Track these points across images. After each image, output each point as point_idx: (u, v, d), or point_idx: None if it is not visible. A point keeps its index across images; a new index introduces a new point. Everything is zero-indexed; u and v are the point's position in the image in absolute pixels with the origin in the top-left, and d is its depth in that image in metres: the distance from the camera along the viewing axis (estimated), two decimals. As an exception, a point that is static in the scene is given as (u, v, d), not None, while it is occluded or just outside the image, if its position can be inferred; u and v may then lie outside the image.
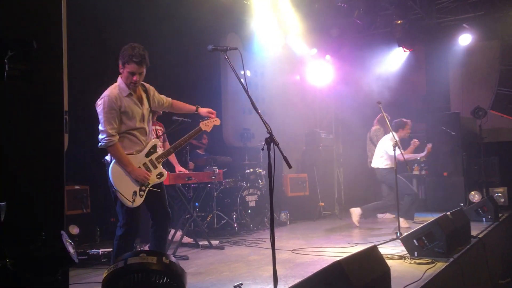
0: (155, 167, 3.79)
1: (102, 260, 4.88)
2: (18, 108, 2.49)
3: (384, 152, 7.28)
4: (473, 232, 5.65)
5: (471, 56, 9.97)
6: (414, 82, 10.83)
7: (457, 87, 10.39)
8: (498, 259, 6.55)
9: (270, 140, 3.13)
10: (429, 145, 7.53)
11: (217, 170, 6.43)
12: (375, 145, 8.33)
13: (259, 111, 3.33)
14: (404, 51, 10.05)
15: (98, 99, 3.69)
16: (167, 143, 5.99)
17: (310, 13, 9.10)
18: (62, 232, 2.35)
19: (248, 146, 7.95)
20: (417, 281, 3.73)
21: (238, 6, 8.19)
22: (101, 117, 3.64)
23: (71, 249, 2.32)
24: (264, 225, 7.42)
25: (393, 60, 10.43)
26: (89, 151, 6.52)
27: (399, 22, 9.22)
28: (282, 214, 7.97)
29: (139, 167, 3.70)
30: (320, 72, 10.45)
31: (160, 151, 3.90)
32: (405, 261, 4.58)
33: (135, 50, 3.63)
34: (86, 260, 4.85)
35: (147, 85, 3.93)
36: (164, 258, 2.66)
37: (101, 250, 5.02)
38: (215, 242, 5.92)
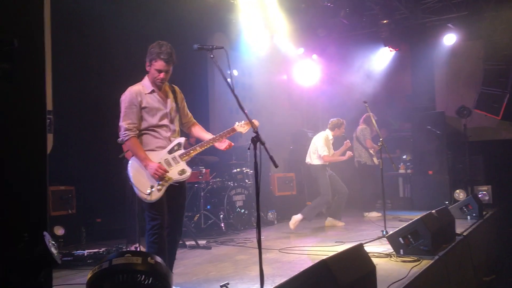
0: (177, 163, 3.65)
1: (88, 261, 4.83)
2: None
3: (316, 150, 7.45)
4: (458, 230, 5.71)
5: (455, 56, 10.08)
6: (400, 82, 10.93)
7: (442, 87, 10.50)
8: (482, 257, 6.63)
9: (257, 140, 3.12)
10: (347, 142, 7.53)
11: (204, 169, 6.41)
12: (362, 144, 8.40)
13: (246, 111, 3.33)
14: (390, 50, 10.13)
15: (122, 95, 3.65)
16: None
17: (297, 12, 9.12)
18: (45, 233, 2.33)
19: (235, 145, 7.93)
20: (402, 279, 3.75)
21: (225, 6, 8.18)
22: (121, 112, 3.62)
23: (54, 250, 2.29)
24: (252, 225, 7.42)
25: (379, 59, 10.51)
26: (76, 151, 6.48)
27: (385, 22, 9.30)
28: (269, 214, 7.97)
29: (159, 162, 3.58)
30: (307, 71, 10.48)
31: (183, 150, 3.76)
32: (391, 259, 4.61)
33: (163, 48, 3.58)
34: (71, 261, 4.80)
35: (176, 87, 3.88)
36: (149, 258, 2.65)
37: (86, 251, 4.98)
38: (202, 242, 5.90)
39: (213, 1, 7.96)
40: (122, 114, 3.60)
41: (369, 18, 9.76)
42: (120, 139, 3.62)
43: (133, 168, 3.59)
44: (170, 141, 3.69)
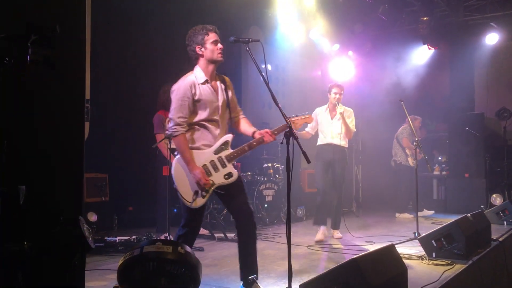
0: (224, 165, 3.41)
1: (119, 248, 4.93)
2: (40, 94, 2.51)
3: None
4: (494, 235, 5.54)
5: (497, 56, 9.75)
6: (438, 81, 10.64)
7: (482, 87, 10.17)
8: (518, 264, 6.41)
9: (290, 135, 3.10)
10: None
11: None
12: (400, 143, 8.28)
13: (280, 105, 3.30)
14: (429, 48, 9.88)
15: (174, 84, 3.44)
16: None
17: (334, 7, 9.00)
18: (80, 218, 2.38)
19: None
20: (434, 282, 3.67)
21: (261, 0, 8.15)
22: (172, 103, 3.39)
23: (88, 235, 2.34)
24: (280, 220, 7.40)
25: (417, 57, 10.26)
26: (110, 140, 6.61)
27: (425, 19, 9.06)
28: (298, 210, 7.94)
29: (204, 164, 3.36)
30: (342, 68, 10.34)
31: (231, 149, 3.51)
32: (423, 261, 4.51)
33: (203, 25, 3.44)
34: (103, 248, 4.91)
35: (227, 78, 3.67)
36: (180, 248, 2.67)
37: (118, 238, 5.08)
38: (230, 235, 5.92)
39: (250, -6, 7.94)
40: (173, 106, 3.37)
41: (408, 15, 9.53)
42: (168, 133, 3.40)
43: (177, 171, 3.37)
44: (217, 138, 3.46)
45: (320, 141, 6.16)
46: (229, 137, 3.49)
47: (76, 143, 2.74)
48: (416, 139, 6.15)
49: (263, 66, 3.47)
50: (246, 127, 3.67)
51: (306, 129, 6.15)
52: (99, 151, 6.15)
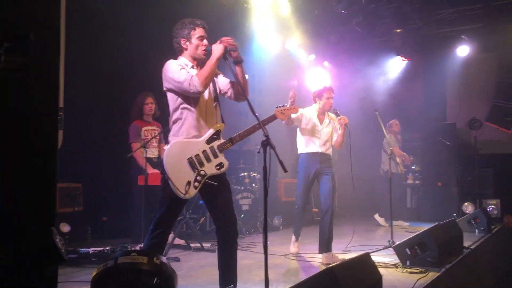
0: (216, 156, 3.35)
1: (92, 259, 4.83)
2: (12, 102, 2.45)
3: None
4: (466, 243, 5.65)
5: (468, 68, 10.02)
6: (412, 92, 10.86)
7: (453, 98, 10.44)
8: (489, 271, 6.54)
9: (267, 144, 3.10)
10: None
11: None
12: (386, 152, 8.34)
13: (257, 114, 3.31)
14: (403, 60, 10.09)
15: (165, 64, 3.38)
16: (163, 143, 5.95)
17: (309, 19, 9.11)
18: (53, 228, 2.32)
19: (243, 149, 7.93)
20: (408, 290, 3.72)
21: (238, 9, 8.19)
22: (171, 76, 3.29)
23: (61, 246, 2.28)
24: (257, 229, 7.39)
25: (391, 68, 10.46)
26: (84, 149, 6.49)
27: (398, 31, 9.26)
28: (275, 219, 7.94)
29: (197, 154, 3.29)
30: (318, 78, 10.45)
31: (222, 139, 3.42)
32: (397, 269, 4.57)
33: (192, 19, 3.43)
34: (76, 259, 4.80)
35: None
36: (155, 258, 2.63)
37: (91, 249, 4.98)
38: (207, 245, 5.88)
39: (227, 4, 7.97)
40: (175, 74, 3.27)
41: (382, 27, 9.71)
42: (196, 91, 3.24)
43: (170, 161, 3.26)
44: (204, 126, 3.38)
45: (304, 149, 5.50)
46: (221, 126, 3.46)
47: (49, 152, 2.68)
48: (391, 148, 6.25)
49: (240, 75, 3.48)
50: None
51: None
52: (73, 160, 6.03)
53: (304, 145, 5.50)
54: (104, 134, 6.77)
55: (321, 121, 5.52)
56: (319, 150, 5.43)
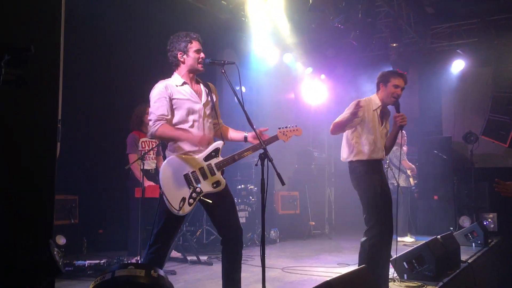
0: (213, 173, 3.32)
1: (88, 272, 4.79)
2: (12, 114, 2.45)
3: None
4: (463, 257, 5.65)
5: (464, 82, 10.10)
6: (407, 105, 10.87)
7: (449, 112, 10.50)
8: (486, 285, 6.52)
9: (264, 156, 3.11)
10: None
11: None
12: (395, 166, 8.25)
13: (254, 127, 3.32)
14: (399, 73, 10.15)
15: (152, 90, 3.40)
16: (161, 156, 5.93)
17: (307, 32, 9.19)
18: (50, 241, 2.31)
19: (240, 161, 7.91)
20: (406, 304, 3.70)
21: (235, 23, 8.25)
22: (150, 107, 3.34)
23: (58, 259, 2.27)
24: (254, 242, 7.36)
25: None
26: (80, 161, 6.48)
27: (394, 45, 9.34)
28: (272, 232, 7.91)
29: (194, 171, 3.27)
30: (315, 91, 10.51)
31: (221, 157, 3.39)
32: (395, 283, 4.55)
33: (187, 32, 3.45)
34: (71, 272, 4.76)
35: (211, 85, 3.63)
36: (152, 271, 2.61)
37: (87, 261, 4.94)
38: (203, 258, 5.85)
39: (224, 17, 8.03)
40: (151, 108, 3.31)
41: (378, 41, 9.81)
42: (149, 133, 3.30)
43: (165, 177, 3.25)
44: (202, 142, 3.34)
45: (366, 155, 4.16)
46: (219, 144, 3.43)
47: (48, 164, 2.68)
48: (388, 161, 6.26)
49: (238, 88, 3.50)
50: (235, 133, 3.63)
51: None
52: (69, 171, 6.01)
53: (363, 150, 4.22)
54: (100, 146, 6.75)
55: (382, 119, 4.33)
56: (381, 157, 4.28)
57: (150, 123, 3.30)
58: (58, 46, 2.76)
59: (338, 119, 4.19)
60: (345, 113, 4.17)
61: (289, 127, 3.63)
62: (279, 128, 3.61)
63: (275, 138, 3.55)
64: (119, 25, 6.74)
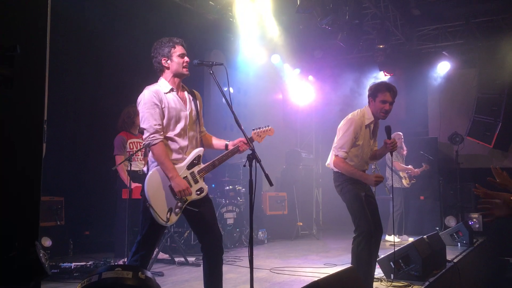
0: (196, 181, 3.33)
1: (75, 274, 4.75)
2: (-3, 114, 2.42)
3: None
4: (449, 257, 5.71)
5: (449, 83, 10.21)
6: (394, 106, 10.93)
7: (435, 113, 10.61)
8: (471, 284, 6.61)
9: (253, 157, 3.11)
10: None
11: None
12: (389, 167, 8.28)
13: (242, 127, 3.32)
14: (385, 75, 10.24)
15: (139, 96, 3.32)
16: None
17: (294, 33, 9.22)
18: (36, 242, 2.28)
19: (228, 162, 7.91)
20: (393, 303, 3.73)
21: (223, 24, 8.24)
22: (142, 114, 3.26)
23: (44, 261, 2.24)
24: (242, 243, 7.35)
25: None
26: (67, 162, 6.42)
27: (381, 46, 9.41)
28: (260, 233, 7.92)
29: None
30: (303, 92, 10.55)
31: (202, 164, 3.39)
32: (382, 283, 4.59)
33: (170, 38, 3.41)
34: (57, 274, 4.71)
35: (196, 92, 3.59)
36: (140, 273, 2.60)
37: (73, 263, 4.89)
38: (191, 259, 5.83)
39: (212, 18, 8.03)
40: (144, 116, 3.24)
41: (365, 42, 9.89)
42: (146, 143, 3.24)
43: (151, 188, 3.22)
44: (185, 150, 3.34)
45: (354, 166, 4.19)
46: (200, 151, 3.42)
47: (34, 165, 2.65)
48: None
49: (226, 89, 3.50)
50: (217, 141, 3.62)
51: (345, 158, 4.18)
52: (55, 173, 5.95)
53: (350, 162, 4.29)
54: (86, 147, 6.70)
55: (372, 132, 4.36)
56: (364, 168, 4.38)
57: (146, 133, 3.25)
58: (44, 46, 2.73)
59: (342, 155, 4.15)
60: (345, 140, 4.14)
61: (262, 128, 3.63)
62: (253, 130, 3.60)
63: (250, 140, 3.51)
64: (106, 25, 6.69)
